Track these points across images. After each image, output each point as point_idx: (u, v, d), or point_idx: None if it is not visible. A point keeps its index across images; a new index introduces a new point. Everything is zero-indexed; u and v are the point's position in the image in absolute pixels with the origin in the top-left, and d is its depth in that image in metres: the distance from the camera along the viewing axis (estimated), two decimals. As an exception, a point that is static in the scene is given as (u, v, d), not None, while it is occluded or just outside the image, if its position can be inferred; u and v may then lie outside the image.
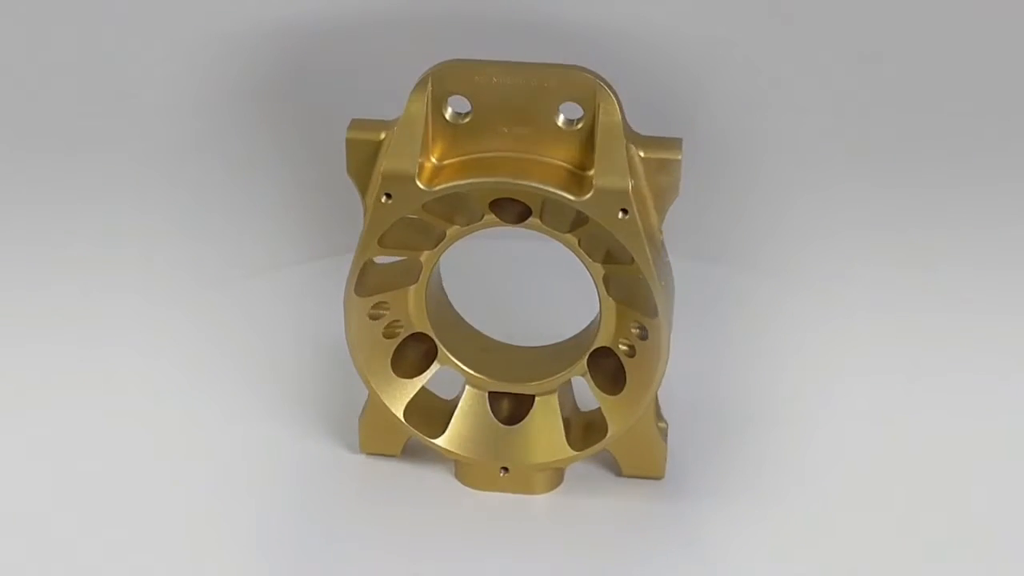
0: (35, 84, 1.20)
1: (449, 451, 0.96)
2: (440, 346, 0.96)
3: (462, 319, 1.00)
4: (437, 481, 0.98)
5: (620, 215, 0.86)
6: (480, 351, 0.98)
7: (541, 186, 0.87)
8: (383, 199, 0.89)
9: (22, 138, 1.20)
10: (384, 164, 0.89)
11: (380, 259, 0.94)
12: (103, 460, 0.99)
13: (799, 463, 0.99)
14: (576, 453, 0.94)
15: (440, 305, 0.98)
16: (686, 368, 1.06)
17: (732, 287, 1.16)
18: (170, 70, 1.20)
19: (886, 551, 0.92)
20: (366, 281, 0.94)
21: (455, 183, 0.88)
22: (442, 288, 0.99)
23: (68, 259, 1.16)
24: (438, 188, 0.89)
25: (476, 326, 1.00)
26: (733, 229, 1.20)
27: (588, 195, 0.86)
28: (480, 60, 0.89)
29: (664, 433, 0.95)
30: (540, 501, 0.96)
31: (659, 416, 0.95)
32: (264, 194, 1.21)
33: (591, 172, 0.87)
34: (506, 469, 0.96)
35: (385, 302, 0.95)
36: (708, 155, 1.21)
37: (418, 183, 0.89)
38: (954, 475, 0.97)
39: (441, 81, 0.88)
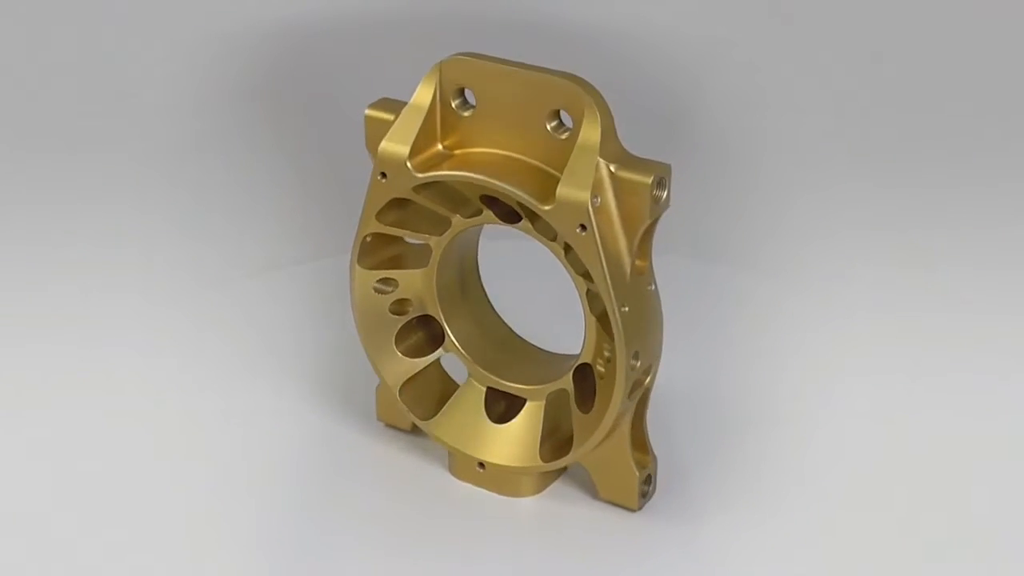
0: (35, 84, 1.20)
1: (434, 436, 0.97)
2: (447, 333, 0.97)
3: (489, 311, 1.00)
4: (434, 469, 0.98)
5: (579, 230, 0.86)
6: (490, 345, 0.98)
7: (509, 187, 0.87)
8: (379, 177, 0.91)
9: (22, 138, 1.20)
10: (382, 144, 0.91)
11: (411, 239, 0.95)
12: (103, 460, 0.99)
13: (799, 463, 0.99)
14: (542, 464, 0.94)
15: (459, 292, 0.98)
16: (686, 368, 1.06)
17: (732, 287, 1.16)
18: (170, 70, 1.20)
19: (886, 551, 0.91)
20: (369, 254, 0.95)
21: (437, 172, 0.89)
22: (471, 277, 0.99)
23: (68, 259, 1.16)
24: (423, 175, 0.90)
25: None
26: (733, 229, 1.20)
27: (551, 205, 0.86)
28: (489, 57, 0.89)
29: (643, 466, 0.93)
30: (534, 500, 0.96)
31: (642, 448, 0.94)
32: (264, 194, 1.21)
33: None
34: (482, 465, 0.96)
35: (393, 279, 0.96)
36: (708, 155, 1.21)
37: (408, 167, 0.90)
38: (954, 475, 0.97)
39: (449, 73, 0.89)
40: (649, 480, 0.94)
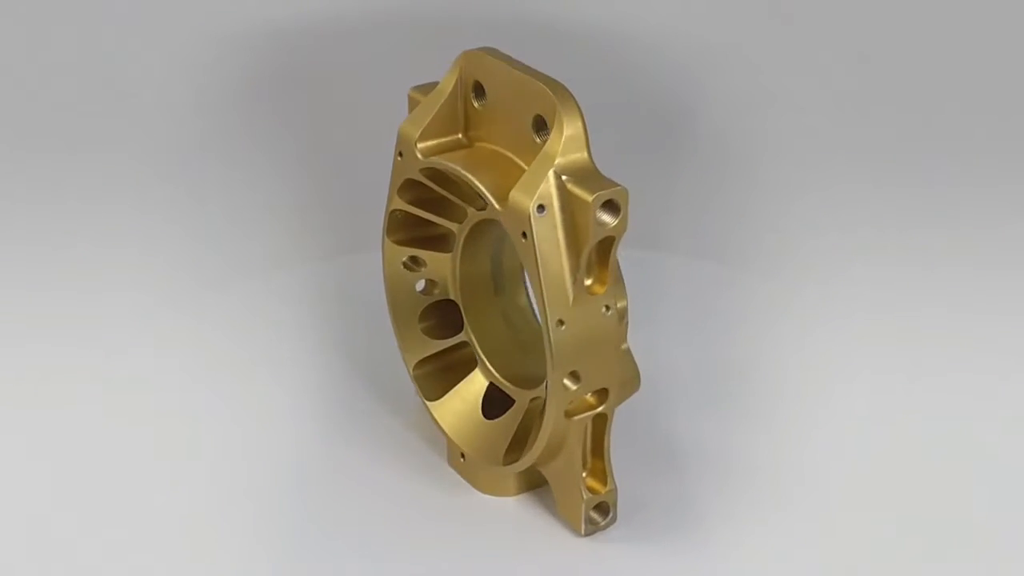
0: (35, 84, 1.20)
1: (433, 418, 0.98)
2: (465, 321, 0.98)
3: (524, 313, 1.00)
4: (434, 461, 0.98)
5: (522, 237, 0.86)
6: (511, 344, 0.98)
7: (477, 183, 0.88)
8: (398, 156, 0.93)
9: (22, 138, 1.21)
10: (402, 124, 0.92)
11: (435, 222, 0.96)
12: (103, 460, 0.99)
13: (799, 463, 0.99)
14: (500, 466, 0.94)
15: (489, 286, 0.98)
16: (685, 367, 1.06)
17: (732, 287, 1.16)
18: (170, 70, 1.20)
19: (886, 551, 0.92)
20: (397, 230, 0.97)
21: (432, 160, 0.90)
22: (511, 275, 0.99)
23: (68, 259, 1.16)
24: (424, 160, 0.91)
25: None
26: (733, 229, 1.20)
27: (505, 208, 0.86)
28: (502, 55, 0.89)
29: (595, 492, 0.91)
30: (516, 501, 0.96)
31: (598, 475, 0.92)
32: (264, 194, 1.21)
33: None
34: (464, 456, 0.96)
35: (421, 259, 0.97)
36: (708, 155, 1.21)
37: (416, 150, 0.91)
38: (954, 475, 0.97)
39: (468, 65, 0.90)
40: (605, 510, 0.92)
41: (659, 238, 1.18)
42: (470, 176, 0.88)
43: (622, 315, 0.90)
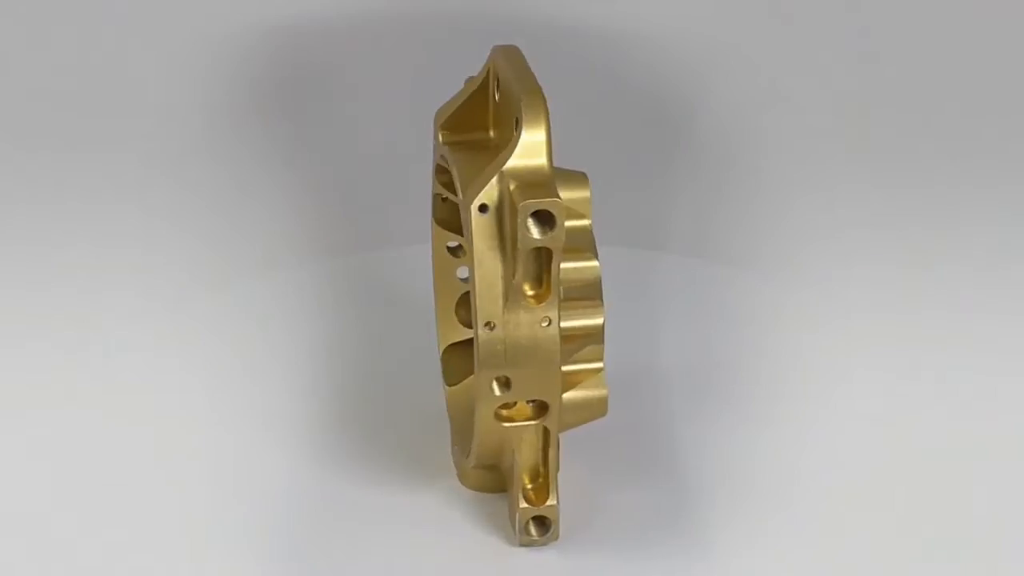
0: (35, 84, 1.20)
1: (445, 400, 0.98)
2: None
3: None
4: (435, 459, 0.99)
5: (467, 233, 0.86)
6: None
7: (456, 173, 0.88)
8: (434, 139, 0.93)
9: (22, 138, 1.21)
10: (437, 111, 0.93)
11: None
12: (103, 460, 0.99)
13: (799, 463, 0.99)
14: (464, 460, 0.94)
15: None
16: (684, 367, 1.06)
17: (732, 287, 1.16)
18: (171, 70, 1.20)
19: (886, 551, 0.91)
20: (441, 213, 0.97)
21: (444, 148, 0.90)
22: None
23: (68, 259, 1.16)
24: (442, 146, 0.91)
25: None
26: (733, 229, 1.20)
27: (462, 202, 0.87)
28: (517, 54, 0.89)
29: (532, 504, 0.90)
30: (498, 498, 0.96)
31: (541, 488, 0.91)
32: (264, 194, 1.21)
33: None
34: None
35: (461, 247, 0.98)
36: (708, 155, 1.21)
37: (439, 136, 0.92)
38: (954, 475, 0.97)
39: (493, 61, 0.90)
40: (545, 525, 0.91)
41: (659, 238, 1.18)
42: (454, 167, 0.88)
43: (589, 333, 0.88)
